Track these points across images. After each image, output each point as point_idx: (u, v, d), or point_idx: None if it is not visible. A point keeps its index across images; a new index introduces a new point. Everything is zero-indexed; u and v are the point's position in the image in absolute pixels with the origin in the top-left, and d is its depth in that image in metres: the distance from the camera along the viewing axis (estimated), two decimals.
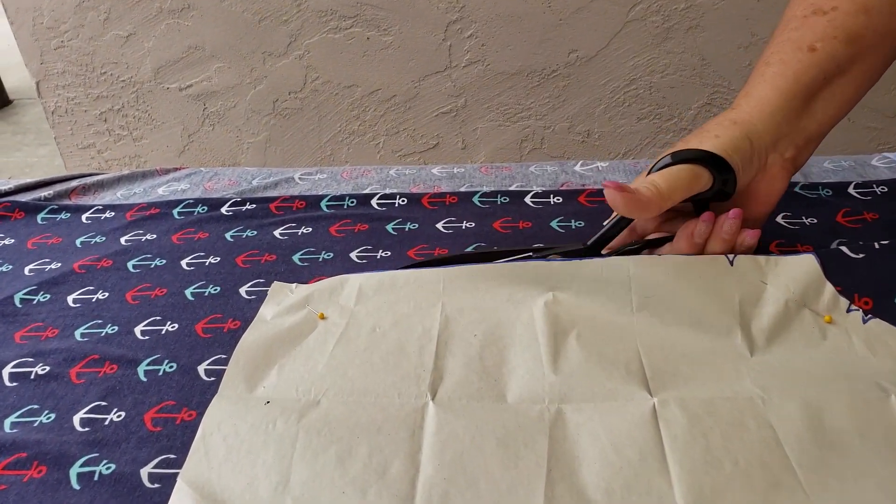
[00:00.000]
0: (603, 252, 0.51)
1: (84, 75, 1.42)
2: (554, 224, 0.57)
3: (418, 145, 1.41)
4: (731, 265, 0.47)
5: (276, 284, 0.52)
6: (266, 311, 0.50)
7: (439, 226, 0.58)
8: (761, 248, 0.51)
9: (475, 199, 0.61)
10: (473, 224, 0.58)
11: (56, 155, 2.91)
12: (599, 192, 0.60)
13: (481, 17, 1.27)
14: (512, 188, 0.62)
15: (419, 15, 1.28)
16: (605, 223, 0.50)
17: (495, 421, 0.39)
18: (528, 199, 0.60)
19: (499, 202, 0.60)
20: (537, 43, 1.28)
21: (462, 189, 0.63)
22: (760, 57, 0.52)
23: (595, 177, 0.63)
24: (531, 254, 0.51)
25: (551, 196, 0.60)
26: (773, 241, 0.53)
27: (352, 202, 0.63)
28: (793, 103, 0.49)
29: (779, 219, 0.56)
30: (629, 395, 0.40)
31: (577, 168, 0.65)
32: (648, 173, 0.48)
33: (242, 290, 0.53)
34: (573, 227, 0.56)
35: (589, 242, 0.50)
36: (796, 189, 0.59)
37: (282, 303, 0.50)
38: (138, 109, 1.45)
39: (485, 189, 0.62)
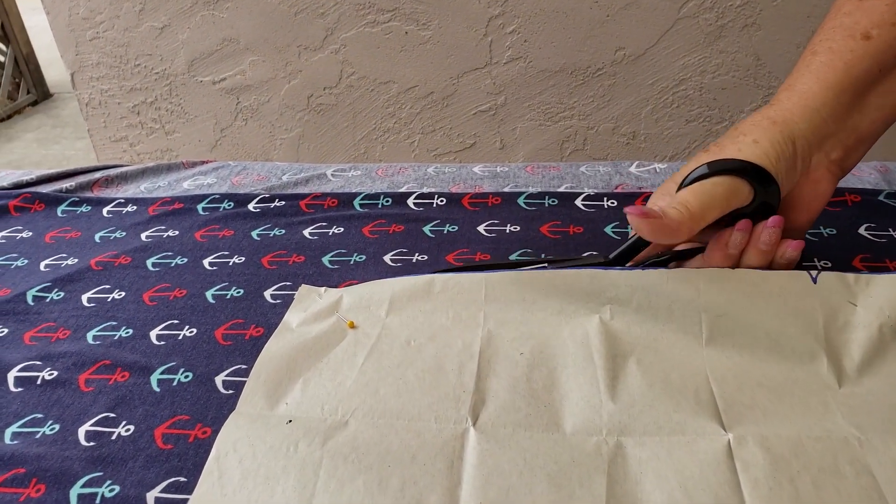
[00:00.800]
0: (627, 265, 0.45)
1: (118, 67, 1.41)
2: (608, 230, 0.52)
3: (454, 144, 1.37)
4: (815, 283, 0.42)
5: (303, 288, 0.48)
6: (291, 317, 0.45)
7: (481, 229, 0.53)
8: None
9: (520, 201, 0.56)
10: (518, 228, 0.53)
11: (92, 148, 2.93)
12: None
13: (524, 13, 1.22)
14: (561, 189, 0.57)
15: (460, 9, 1.23)
16: (630, 234, 0.45)
17: (546, 454, 0.34)
18: (579, 202, 0.55)
19: (546, 204, 0.55)
20: (582, 40, 1.23)
21: (506, 189, 0.58)
22: (808, 45, 0.46)
23: (652, 179, 0.58)
24: (546, 266, 0.46)
25: (605, 199, 0.55)
26: (858, 256, 0.47)
27: (387, 201, 0.58)
28: (842, 98, 0.43)
29: (862, 230, 0.50)
30: (699, 429, 0.35)
31: (633, 169, 0.60)
32: (681, 184, 0.42)
33: (267, 294, 0.49)
34: (630, 233, 0.51)
35: (612, 256, 0.45)
36: (880, 198, 0.54)
37: (309, 308, 0.46)
38: (171, 102, 1.43)
39: (531, 190, 0.57)
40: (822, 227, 0.51)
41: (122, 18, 1.35)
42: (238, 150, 1.45)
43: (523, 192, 0.57)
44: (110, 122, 1.48)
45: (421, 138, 1.37)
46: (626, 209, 0.40)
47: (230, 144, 1.45)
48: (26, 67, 3.53)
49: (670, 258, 0.45)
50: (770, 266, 0.43)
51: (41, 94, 3.64)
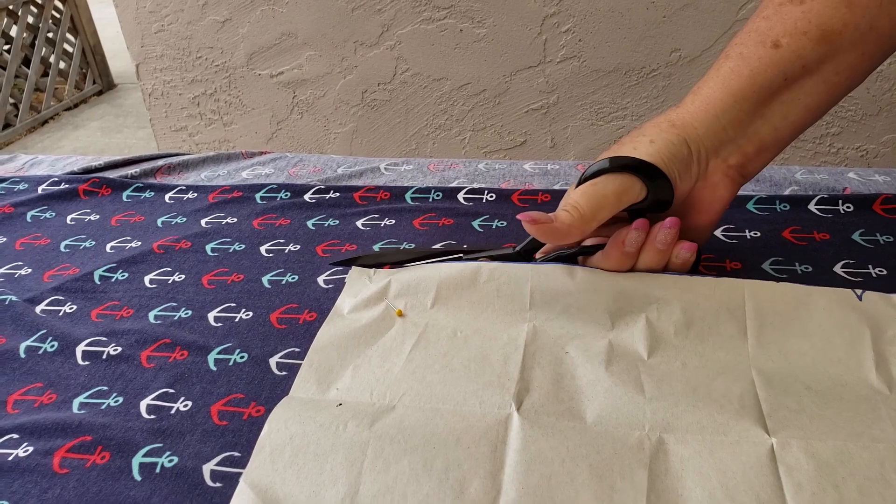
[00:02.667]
0: (536, 257, 0.47)
1: (181, 59, 1.45)
2: None
3: (505, 142, 1.37)
4: (860, 300, 0.41)
5: (354, 270, 0.49)
6: (343, 303, 0.47)
7: None
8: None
9: None
10: None
11: (153, 138, 3.02)
12: None
13: (580, 12, 1.21)
14: None
15: (515, 8, 1.23)
16: None
17: (588, 444, 0.35)
18: None
19: None
20: (638, 40, 1.22)
21: (555, 187, 0.59)
22: (726, 46, 0.46)
23: None
24: (462, 255, 0.48)
25: None
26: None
27: (437, 195, 0.59)
28: (743, 105, 0.43)
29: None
30: (743, 431, 0.35)
31: None
32: (579, 181, 0.44)
33: (320, 280, 0.50)
34: None
35: (519, 248, 0.47)
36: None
37: (359, 294, 0.47)
38: (230, 94, 1.47)
39: None
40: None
41: (186, 12, 1.39)
42: (293, 143, 1.48)
43: None
44: (171, 112, 1.52)
45: (472, 135, 1.38)
46: (519, 215, 0.41)
47: (286, 137, 1.48)
48: (93, 58, 3.65)
49: (577, 253, 0.46)
50: (666, 266, 0.44)
51: (106, 84, 3.76)
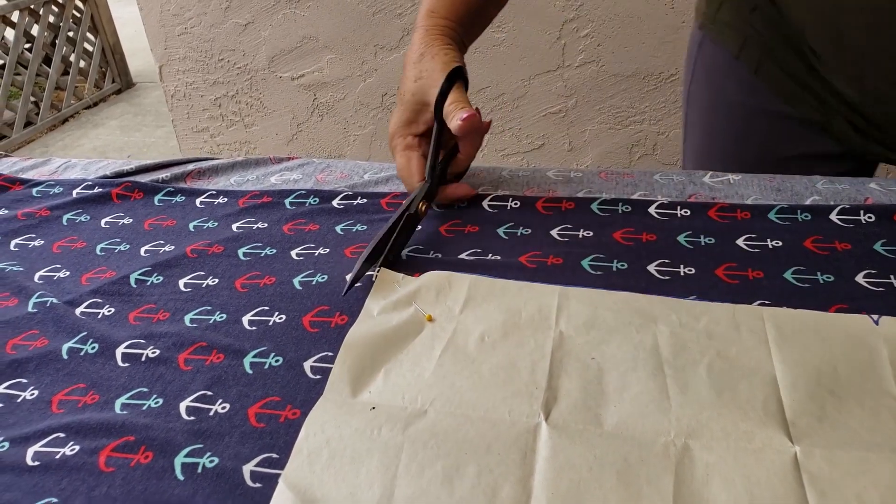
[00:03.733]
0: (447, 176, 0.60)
1: (203, 61, 1.47)
2: (681, 239, 0.53)
3: (522, 145, 1.38)
4: (877, 324, 0.42)
5: (384, 271, 0.51)
6: (372, 304, 0.48)
7: (554, 233, 0.55)
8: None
9: (594, 207, 0.57)
10: (591, 233, 0.54)
11: (171, 136, 3.05)
12: (731, 208, 0.55)
13: (599, 17, 1.22)
14: (634, 196, 0.58)
15: (535, 13, 1.24)
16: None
17: (615, 451, 0.36)
18: (652, 210, 0.56)
19: (619, 211, 0.57)
20: (657, 45, 1.23)
21: (579, 195, 0.60)
22: None
23: (726, 190, 0.59)
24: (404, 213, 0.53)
25: (678, 208, 0.56)
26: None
27: (463, 203, 0.60)
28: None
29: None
30: (767, 439, 0.36)
31: (706, 179, 0.60)
32: (441, 94, 0.57)
33: (348, 277, 0.52)
34: (702, 243, 0.52)
35: (426, 177, 0.58)
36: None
37: (388, 297, 0.49)
38: (251, 96, 1.49)
39: (604, 196, 0.59)
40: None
41: (209, 15, 1.41)
42: (313, 145, 1.50)
43: (597, 198, 0.58)
44: (193, 113, 1.54)
45: (490, 139, 1.39)
46: (463, 117, 0.55)
47: (306, 139, 1.50)
48: (112, 57, 3.69)
49: (450, 155, 0.60)
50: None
51: (125, 83, 3.81)
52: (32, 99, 3.23)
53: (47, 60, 3.32)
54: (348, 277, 0.50)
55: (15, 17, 3.11)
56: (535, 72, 1.30)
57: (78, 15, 3.48)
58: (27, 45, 3.21)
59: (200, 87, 1.51)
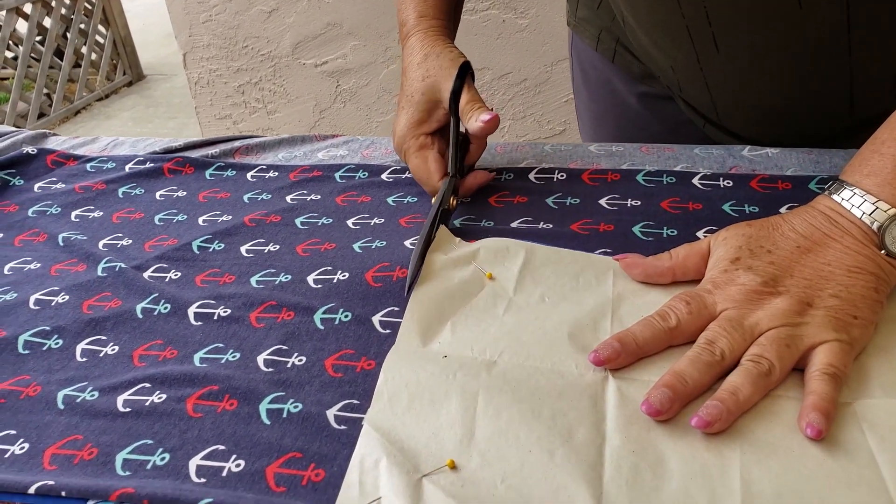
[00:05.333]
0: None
1: (227, 48, 1.49)
2: (726, 207, 0.55)
3: (544, 131, 1.40)
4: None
5: (443, 229, 0.52)
6: (434, 258, 0.50)
7: (602, 202, 0.57)
8: None
9: (639, 178, 0.59)
10: (639, 202, 0.56)
11: (184, 128, 3.07)
12: (772, 179, 0.57)
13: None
14: (677, 168, 0.60)
15: None
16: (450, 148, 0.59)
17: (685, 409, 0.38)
18: (695, 181, 0.58)
19: (664, 182, 0.58)
20: None
21: (623, 167, 0.62)
22: None
23: (765, 163, 0.60)
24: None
25: (721, 179, 0.58)
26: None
27: (509, 175, 0.62)
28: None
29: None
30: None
31: (746, 153, 0.62)
32: (455, 92, 0.58)
33: (407, 243, 0.54)
34: (746, 211, 0.54)
35: (450, 171, 0.58)
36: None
37: (449, 253, 0.51)
38: (274, 83, 1.51)
39: (648, 168, 0.60)
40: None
41: (234, 2, 1.43)
42: (335, 132, 1.52)
43: (641, 170, 0.60)
44: (216, 100, 1.56)
45: (511, 124, 1.41)
46: (486, 119, 0.55)
47: (328, 125, 1.52)
48: (123, 50, 3.71)
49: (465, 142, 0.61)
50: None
51: (136, 75, 3.82)
52: (45, 91, 3.25)
53: (59, 53, 3.34)
54: (408, 276, 0.49)
55: (28, 8, 3.13)
56: (557, 57, 1.32)
57: (89, 7, 3.50)
58: (38, 38, 3.23)
59: (224, 75, 1.52)
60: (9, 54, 3.14)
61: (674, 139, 0.70)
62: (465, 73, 0.59)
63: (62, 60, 3.32)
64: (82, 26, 3.44)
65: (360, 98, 1.46)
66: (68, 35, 3.34)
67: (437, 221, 0.53)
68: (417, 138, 0.60)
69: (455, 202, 0.56)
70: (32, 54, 3.17)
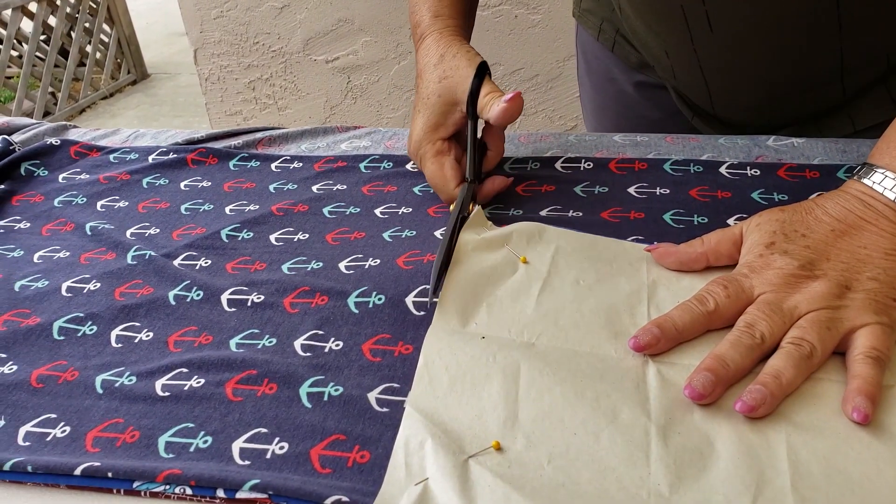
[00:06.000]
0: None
1: (238, 45, 1.49)
2: (755, 196, 0.55)
3: (555, 126, 1.40)
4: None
5: (478, 209, 0.52)
6: (466, 237, 0.50)
7: (631, 190, 0.57)
8: None
9: (666, 167, 0.59)
10: (668, 191, 0.56)
11: (190, 125, 3.07)
12: (800, 168, 0.57)
13: None
14: (703, 158, 0.60)
15: None
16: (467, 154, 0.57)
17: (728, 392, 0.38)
18: (723, 170, 0.58)
19: (692, 171, 0.59)
20: None
21: (650, 156, 0.62)
22: None
23: (791, 152, 0.60)
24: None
25: (748, 168, 0.58)
26: None
27: (535, 165, 0.62)
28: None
29: None
30: None
31: (770, 143, 0.62)
32: (472, 94, 0.56)
33: (437, 233, 0.54)
34: (776, 199, 0.54)
35: (468, 177, 0.56)
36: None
37: (481, 234, 0.51)
38: (285, 80, 1.51)
39: (675, 157, 0.61)
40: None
41: None
42: None
43: (668, 159, 0.60)
44: (227, 96, 1.56)
45: (522, 120, 1.41)
46: (508, 98, 0.54)
47: (339, 122, 1.52)
48: (128, 48, 3.71)
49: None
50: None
51: (140, 74, 3.83)
52: (50, 89, 3.25)
53: (64, 52, 3.34)
54: (431, 287, 0.47)
55: (33, 7, 3.13)
56: (569, 53, 1.32)
57: (94, 6, 3.50)
58: (43, 37, 3.23)
59: (235, 71, 1.53)
60: (14, 53, 3.14)
61: (671, 128, 0.70)
62: (483, 74, 0.57)
63: (67, 59, 3.32)
64: (87, 25, 3.44)
65: (370, 94, 1.46)
66: (73, 34, 3.34)
67: (457, 230, 0.50)
68: (434, 143, 0.58)
69: (474, 209, 0.53)
70: (38, 53, 3.17)
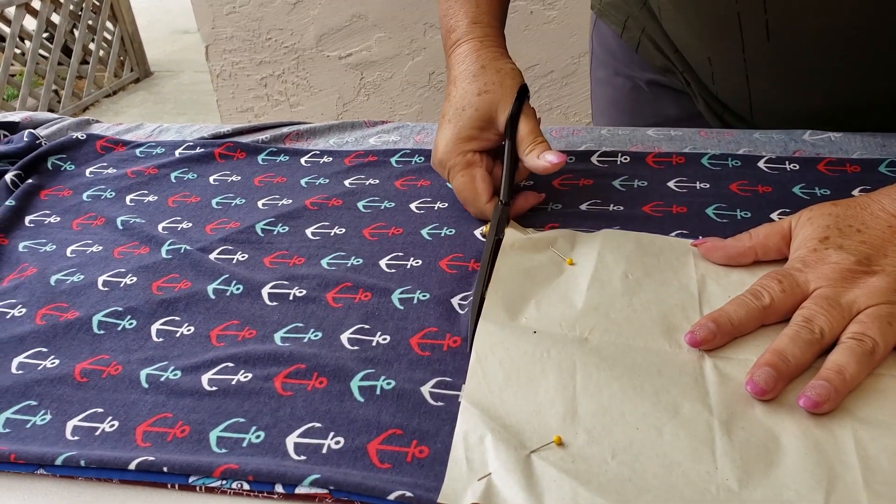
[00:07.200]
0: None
1: (250, 40, 1.48)
2: (796, 190, 0.54)
3: (570, 123, 1.40)
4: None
5: (513, 224, 0.51)
6: (510, 238, 0.49)
7: (671, 184, 0.56)
8: None
9: (704, 161, 0.59)
10: (708, 185, 0.56)
11: (194, 123, 3.06)
12: (840, 162, 0.57)
13: None
14: (740, 152, 0.60)
15: None
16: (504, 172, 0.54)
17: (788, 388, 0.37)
18: (761, 164, 0.58)
19: (730, 165, 0.58)
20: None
21: (686, 150, 0.61)
22: None
23: (828, 147, 0.60)
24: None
25: (787, 162, 0.58)
26: None
27: (571, 159, 0.62)
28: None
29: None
30: None
31: (807, 137, 0.62)
32: (512, 117, 0.54)
33: (477, 232, 0.53)
34: (818, 193, 0.54)
35: (503, 199, 0.52)
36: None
37: (526, 233, 0.50)
38: (297, 76, 1.50)
39: (712, 151, 0.60)
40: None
41: None
42: None
43: (706, 153, 0.59)
44: (238, 93, 1.56)
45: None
46: (555, 162, 0.51)
47: (351, 118, 1.51)
48: (131, 46, 3.70)
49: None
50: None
51: (143, 71, 3.81)
52: (54, 87, 3.24)
53: (67, 49, 3.32)
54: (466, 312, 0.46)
55: (37, 5, 3.11)
56: (585, 49, 1.31)
57: (97, 3, 3.48)
58: (46, 35, 3.22)
59: (247, 67, 1.52)
60: (17, 50, 3.13)
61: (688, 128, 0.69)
62: (525, 96, 0.56)
63: (70, 57, 3.31)
64: (90, 22, 3.43)
65: (384, 90, 1.46)
66: (76, 31, 3.33)
67: (494, 256, 0.48)
68: (464, 155, 0.54)
69: (507, 230, 0.51)
70: (41, 51, 3.16)
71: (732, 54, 0.62)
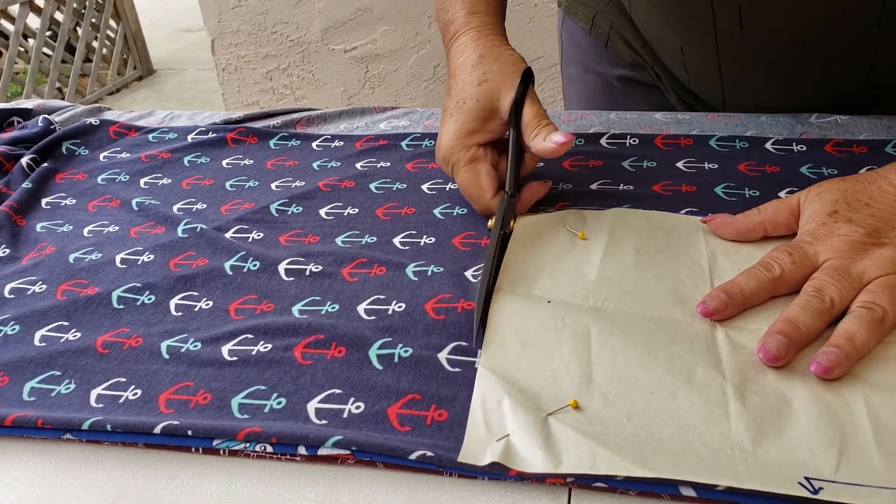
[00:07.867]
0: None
1: (256, 34, 1.49)
2: (804, 170, 0.55)
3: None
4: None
5: (521, 220, 0.52)
6: (522, 221, 0.50)
7: (680, 165, 0.57)
8: None
9: (712, 143, 0.60)
10: (716, 165, 0.56)
11: (205, 111, 3.07)
12: (847, 143, 0.58)
13: None
14: (748, 134, 0.61)
15: None
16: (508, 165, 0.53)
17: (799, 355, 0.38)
18: (769, 146, 0.58)
19: (738, 146, 0.59)
20: None
21: (694, 133, 0.62)
22: None
23: (835, 129, 0.61)
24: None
25: (794, 144, 0.58)
26: None
27: (580, 141, 0.63)
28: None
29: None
30: None
31: (813, 120, 0.62)
32: (516, 102, 0.52)
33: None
34: (825, 173, 0.54)
35: (508, 190, 0.51)
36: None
37: (538, 212, 0.51)
38: (303, 69, 1.51)
39: (720, 133, 0.61)
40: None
41: None
42: None
43: (713, 135, 0.60)
44: (244, 86, 1.57)
45: None
46: (562, 141, 0.49)
47: None
48: (134, 44, 3.71)
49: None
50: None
51: (146, 69, 3.82)
52: (57, 85, 3.25)
53: (70, 47, 3.33)
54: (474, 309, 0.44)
55: (40, 2, 3.12)
56: None
57: (101, 1, 3.49)
58: (49, 33, 3.23)
59: (252, 61, 1.53)
60: (20, 48, 3.13)
61: None
62: (528, 81, 0.54)
63: (74, 55, 3.32)
64: (94, 20, 3.44)
65: (388, 83, 1.47)
66: (80, 29, 3.34)
67: (500, 250, 0.47)
68: (468, 150, 0.53)
69: (514, 224, 0.50)
70: (44, 49, 3.17)
71: (705, 43, 0.62)
